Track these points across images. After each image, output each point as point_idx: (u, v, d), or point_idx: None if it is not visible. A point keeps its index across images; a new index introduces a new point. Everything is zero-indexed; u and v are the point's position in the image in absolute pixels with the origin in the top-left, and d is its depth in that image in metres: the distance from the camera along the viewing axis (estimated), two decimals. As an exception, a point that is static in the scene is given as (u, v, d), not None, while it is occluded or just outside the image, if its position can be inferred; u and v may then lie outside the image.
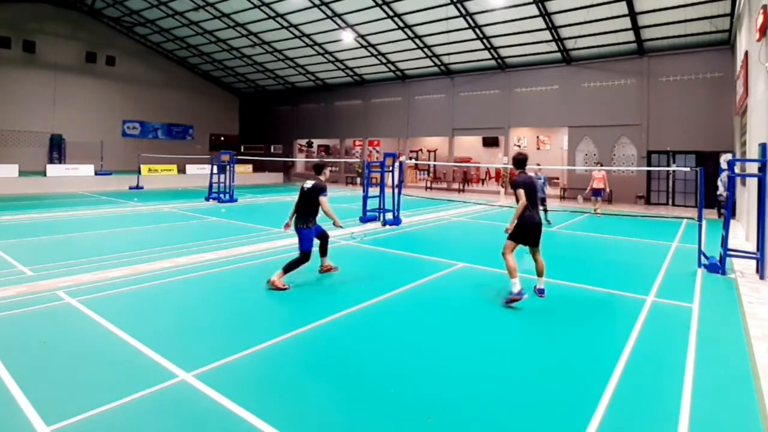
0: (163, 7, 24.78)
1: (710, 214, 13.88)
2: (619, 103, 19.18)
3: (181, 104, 33.40)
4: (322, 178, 6.15)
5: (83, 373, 3.53)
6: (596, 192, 13.50)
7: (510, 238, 5.45)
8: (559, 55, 20.11)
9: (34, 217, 11.38)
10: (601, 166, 13.57)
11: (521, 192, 5.35)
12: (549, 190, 13.03)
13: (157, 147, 30.58)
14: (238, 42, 26.94)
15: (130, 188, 20.18)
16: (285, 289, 5.67)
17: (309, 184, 5.99)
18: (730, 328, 4.73)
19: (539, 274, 5.63)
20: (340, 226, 6.30)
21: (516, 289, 5.20)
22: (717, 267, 7.00)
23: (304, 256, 5.85)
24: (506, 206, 16.16)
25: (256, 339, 4.18)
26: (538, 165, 12.93)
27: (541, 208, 10.26)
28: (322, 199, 5.85)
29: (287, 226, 6.08)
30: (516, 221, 5.39)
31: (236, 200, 16.05)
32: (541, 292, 5.65)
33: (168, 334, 4.31)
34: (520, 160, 5.68)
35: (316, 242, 6.19)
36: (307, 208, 5.91)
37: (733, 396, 3.39)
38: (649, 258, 8.07)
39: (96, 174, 21.24)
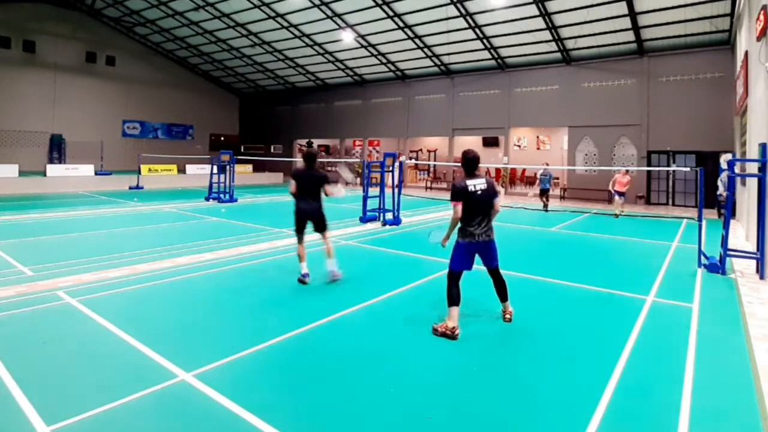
0: (163, 7, 24.79)
1: (710, 214, 13.87)
2: (619, 103, 19.18)
3: (181, 104, 33.39)
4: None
5: (83, 373, 3.53)
6: (619, 193, 13.59)
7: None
8: (559, 55, 20.11)
9: (34, 217, 11.38)
10: (628, 170, 13.98)
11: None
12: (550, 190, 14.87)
13: (157, 147, 30.56)
14: (238, 42, 26.95)
15: (130, 188, 20.17)
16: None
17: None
18: (730, 328, 4.73)
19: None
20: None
21: (303, 271, 6.06)
22: (717, 267, 7.01)
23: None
24: (506, 206, 16.14)
25: (256, 339, 4.18)
26: (547, 164, 15.21)
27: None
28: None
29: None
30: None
31: (236, 200, 16.05)
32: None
33: (168, 334, 4.31)
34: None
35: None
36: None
37: (733, 396, 3.38)
38: (649, 258, 8.07)
39: (96, 174, 21.24)
